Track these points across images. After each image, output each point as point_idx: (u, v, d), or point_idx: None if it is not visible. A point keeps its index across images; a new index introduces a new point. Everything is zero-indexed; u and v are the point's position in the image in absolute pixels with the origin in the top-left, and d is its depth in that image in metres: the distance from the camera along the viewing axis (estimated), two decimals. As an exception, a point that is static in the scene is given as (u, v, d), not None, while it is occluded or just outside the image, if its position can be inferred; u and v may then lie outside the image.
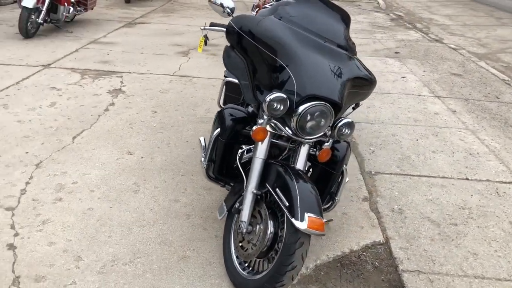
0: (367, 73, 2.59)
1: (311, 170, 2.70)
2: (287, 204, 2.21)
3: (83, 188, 3.33)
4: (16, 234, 2.81)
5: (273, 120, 2.37)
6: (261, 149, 2.41)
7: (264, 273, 2.32)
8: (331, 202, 2.76)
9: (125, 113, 4.68)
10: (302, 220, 2.14)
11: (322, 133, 2.36)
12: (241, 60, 2.37)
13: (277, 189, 2.29)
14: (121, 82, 5.61)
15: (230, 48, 2.41)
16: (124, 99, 5.07)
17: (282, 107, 2.25)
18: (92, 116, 4.58)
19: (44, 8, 7.48)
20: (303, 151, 2.47)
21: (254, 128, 2.31)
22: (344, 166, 2.68)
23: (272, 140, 2.42)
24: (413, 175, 3.81)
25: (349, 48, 2.57)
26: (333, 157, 2.61)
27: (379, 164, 3.97)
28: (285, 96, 2.24)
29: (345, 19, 2.66)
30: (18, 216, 2.98)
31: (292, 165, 2.44)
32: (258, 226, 2.39)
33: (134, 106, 4.89)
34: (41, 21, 7.50)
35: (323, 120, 2.31)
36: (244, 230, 2.37)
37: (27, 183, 3.37)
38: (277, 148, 2.62)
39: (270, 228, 2.33)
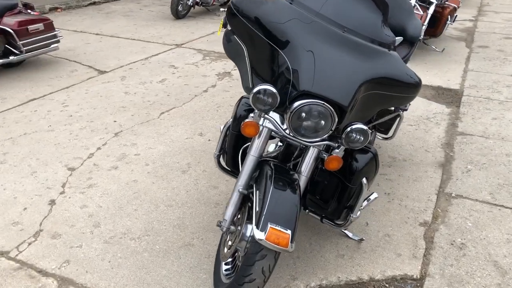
0: (402, 73, 2.16)
1: (317, 177, 2.37)
2: (257, 209, 1.98)
3: (140, 161, 3.49)
4: (62, 192, 3.08)
5: (271, 116, 2.12)
6: (255, 145, 2.19)
7: (231, 279, 2.13)
8: (347, 219, 2.40)
9: (219, 96, 4.76)
10: (263, 230, 1.90)
11: (322, 137, 2.04)
12: (241, 46, 2.17)
13: (258, 191, 2.07)
14: (234, 66, 5.70)
15: (230, 32, 2.22)
16: (227, 82, 5.15)
17: (270, 101, 2.01)
18: (189, 95, 4.77)
19: (195, -9, 8.00)
20: (309, 154, 2.18)
21: (244, 121, 2.11)
22: (365, 179, 2.29)
23: (286, 138, 2.14)
24: (506, 207, 3.10)
25: (382, 41, 2.16)
26: (350, 167, 2.26)
27: (468, 186, 3.32)
28: (273, 89, 1.99)
29: (380, 5, 2.23)
30: (74, 176, 3.27)
31: (286, 168, 2.17)
32: (238, 227, 2.20)
33: (232, 90, 4.93)
34: (191, 3, 8.04)
35: (322, 122, 1.99)
36: (224, 229, 2.21)
37: (98, 148, 3.66)
38: (291, 148, 2.37)
39: (248, 232, 2.12)
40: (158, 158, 3.54)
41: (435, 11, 6.16)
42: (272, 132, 2.14)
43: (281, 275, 2.45)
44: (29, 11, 5.44)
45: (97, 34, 7.09)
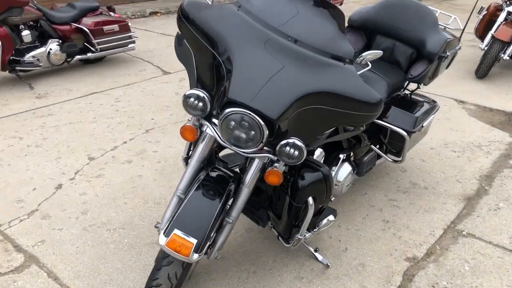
0: (355, 89, 1.99)
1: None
2: (171, 214, 1.97)
3: (155, 158, 3.63)
4: (72, 179, 3.33)
5: (213, 122, 2.09)
6: (197, 151, 2.18)
7: None
8: (293, 239, 2.26)
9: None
10: (167, 235, 1.88)
11: (252, 148, 1.96)
12: (189, 50, 2.16)
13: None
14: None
15: (181, 35, 2.21)
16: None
17: (201, 105, 1.99)
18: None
19: None
20: (253, 166, 2.10)
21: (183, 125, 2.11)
22: (311, 199, 2.14)
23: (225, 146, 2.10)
24: (524, 256, 2.67)
25: (335, 54, 2.01)
26: (295, 184, 2.14)
27: (487, 226, 2.92)
28: (202, 94, 1.97)
29: (335, 15, 2.07)
30: (90, 165, 3.51)
31: (226, 178, 2.11)
32: None
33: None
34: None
35: (252, 132, 1.91)
36: (159, 231, 2.21)
37: (124, 142, 3.89)
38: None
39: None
40: (172, 157, 3.65)
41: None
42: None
43: (226, 286, 2.39)
44: (110, 13, 5.95)
45: (180, 37, 7.49)
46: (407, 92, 3.23)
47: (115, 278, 2.42)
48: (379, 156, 3.11)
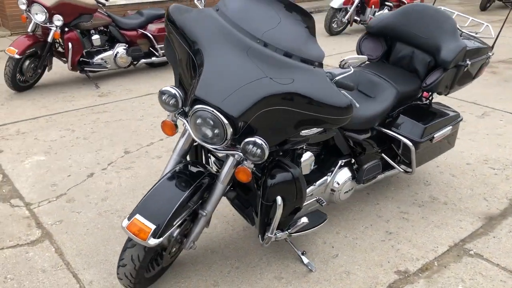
0: (322, 92, 2.02)
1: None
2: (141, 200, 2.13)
3: (182, 155, 3.84)
4: (104, 169, 3.64)
5: (185, 119, 2.22)
6: (178, 145, 2.33)
7: None
8: (264, 237, 2.31)
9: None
10: (129, 219, 2.04)
11: (218, 145, 2.06)
12: (173, 51, 2.30)
13: None
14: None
15: (167, 37, 2.35)
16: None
17: (173, 102, 2.13)
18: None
19: (351, 9, 8.02)
20: (227, 163, 2.20)
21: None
22: (280, 198, 2.18)
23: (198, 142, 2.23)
24: (533, 282, 2.47)
25: (304, 57, 2.05)
26: (264, 182, 2.20)
27: (500, 248, 2.72)
28: (173, 91, 2.11)
29: (305, 19, 2.10)
30: (124, 158, 3.81)
31: (203, 171, 2.23)
32: None
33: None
34: (346, 20, 8.08)
35: (216, 130, 2.01)
36: None
37: (160, 139, 4.15)
38: None
39: None
40: (199, 155, 3.83)
41: None
42: None
43: (206, 278, 2.49)
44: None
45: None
46: (429, 100, 3.12)
47: (110, 260, 2.63)
48: (392, 167, 3.03)
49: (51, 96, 5.28)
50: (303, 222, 2.34)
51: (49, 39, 5.22)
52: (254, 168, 2.15)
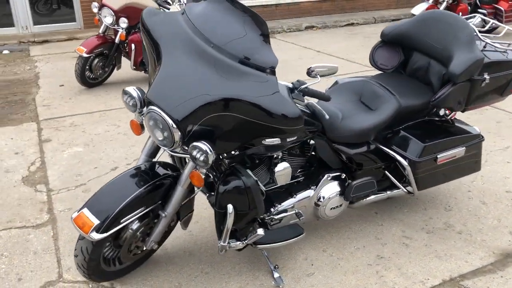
0: (270, 100, 1.95)
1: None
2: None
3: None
4: (129, 164, 3.82)
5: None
6: (146, 145, 2.39)
7: None
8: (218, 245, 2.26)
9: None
10: (78, 212, 2.12)
11: (169, 148, 2.07)
12: (147, 53, 2.34)
13: None
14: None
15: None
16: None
17: (132, 103, 2.19)
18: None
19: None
20: (187, 166, 2.21)
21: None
22: (231, 206, 2.13)
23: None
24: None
25: (256, 63, 1.99)
26: (217, 189, 2.17)
27: (505, 289, 2.39)
28: (132, 92, 2.17)
29: (259, 26, 2.03)
30: (149, 155, 3.96)
31: (170, 174, 2.26)
32: None
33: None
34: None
35: (166, 132, 2.03)
36: None
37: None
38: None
39: None
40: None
41: None
42: None
43: (172, 279, 2.50)
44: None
45: (318, 51, 7.61)
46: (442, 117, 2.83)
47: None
48: (397, 187, 2.80)
49: (113, 93, 5.66)
50: (258, 234, 2.25)
51: (116, 40, 5.61)
52: (206, 172, 2.13)
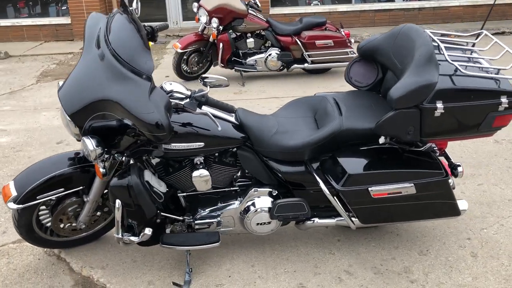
0: (137, 105, 2.08)
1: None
2: None
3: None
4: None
5: None
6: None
7: None
8: None
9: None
10: (8, 183, 2.49)
11: (76, 137, 2.32)
12: None
13: None
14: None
15: None
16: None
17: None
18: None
19: None
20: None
21: None
22: (119, 202, 2.27)
23: None
24: None
25: (134, 67, 2.10)
26: (109, 183, 2.35)
27: None
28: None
29: (139, 31, 2.11)
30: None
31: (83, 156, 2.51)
32: None
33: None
34: None
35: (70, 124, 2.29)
36: None
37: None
38: None
39: None
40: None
41: None
42: None
43: (103, 258, 2.73)
44: (340, 29, 6.25)
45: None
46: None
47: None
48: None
49: (198, 87, 6.07)
50: (145, 234, 2.34)
51: (210, 38, 6.03)
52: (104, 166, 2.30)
